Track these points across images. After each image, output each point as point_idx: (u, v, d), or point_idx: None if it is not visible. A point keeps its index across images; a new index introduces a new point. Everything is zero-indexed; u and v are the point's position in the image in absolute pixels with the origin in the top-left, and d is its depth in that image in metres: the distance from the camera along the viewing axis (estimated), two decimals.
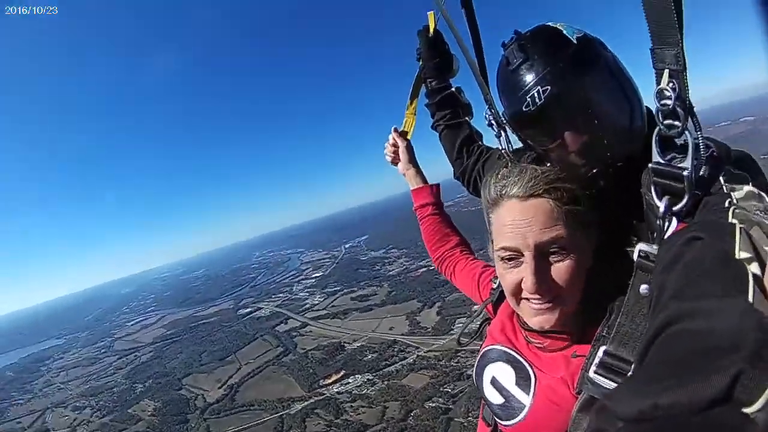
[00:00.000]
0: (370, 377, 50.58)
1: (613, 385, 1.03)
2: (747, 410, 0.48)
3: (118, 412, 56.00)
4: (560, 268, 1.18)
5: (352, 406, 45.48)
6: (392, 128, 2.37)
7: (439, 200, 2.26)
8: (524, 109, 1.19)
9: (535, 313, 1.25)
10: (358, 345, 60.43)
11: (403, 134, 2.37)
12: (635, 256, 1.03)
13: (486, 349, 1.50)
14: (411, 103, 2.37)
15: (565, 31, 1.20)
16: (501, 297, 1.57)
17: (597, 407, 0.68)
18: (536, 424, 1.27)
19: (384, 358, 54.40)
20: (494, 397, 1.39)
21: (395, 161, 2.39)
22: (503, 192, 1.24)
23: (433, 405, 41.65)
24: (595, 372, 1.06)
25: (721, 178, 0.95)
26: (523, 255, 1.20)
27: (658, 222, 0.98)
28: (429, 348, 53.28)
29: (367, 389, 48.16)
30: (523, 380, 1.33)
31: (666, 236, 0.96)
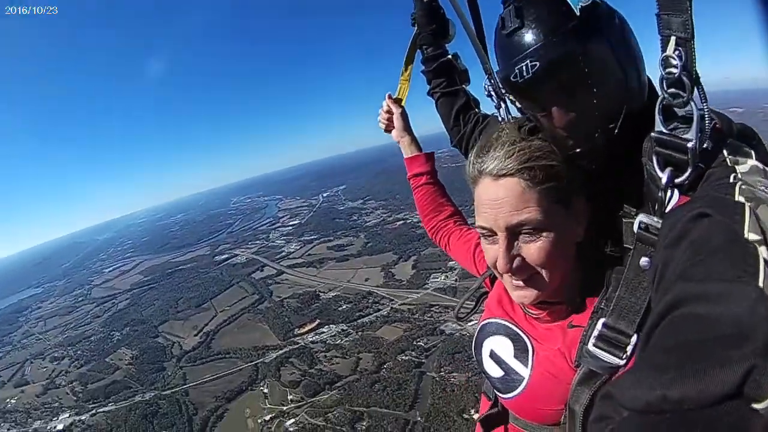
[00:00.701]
0: (345, 328, 51.81)
1: (612, 357, 1.06)
2: (757, 406, 0.48)
3: (95, 362, 57.26)
4: (532, 249, 1.18)
5: (326, 356, 46.78)
6: (386, 95, 2.35)
7: (433, 169, 2.22)
8: (512, 78, 1.16)
9: (514, 288, 1.27)
10: (333, 295, 61.73)
11: (397, 101, 2.33)
12: (635, 228, 1.02)
13: (484, 322, 1.52)
14: (405, 70, 2.35)
15: None
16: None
17: (603, 394, 0.68)
18: (535, 396, 1.29)
19: (358, 309, 55.71)
20: (494, 370, 1.42)
21: (389, 128, 2.36)
22: (480, 169, 1.23)
23: (406, 358, 42.76)
24: (594, 345, 1.09)
25: (724, 151, 0.94)
26: (497, 234, 1.22)
27: (660, 193, 0.98)
28: (403, 301, 54.51)
29: (341, 339, 49.51)
30: (521, 352, 1.35)
31: (668, 209, 0.95)
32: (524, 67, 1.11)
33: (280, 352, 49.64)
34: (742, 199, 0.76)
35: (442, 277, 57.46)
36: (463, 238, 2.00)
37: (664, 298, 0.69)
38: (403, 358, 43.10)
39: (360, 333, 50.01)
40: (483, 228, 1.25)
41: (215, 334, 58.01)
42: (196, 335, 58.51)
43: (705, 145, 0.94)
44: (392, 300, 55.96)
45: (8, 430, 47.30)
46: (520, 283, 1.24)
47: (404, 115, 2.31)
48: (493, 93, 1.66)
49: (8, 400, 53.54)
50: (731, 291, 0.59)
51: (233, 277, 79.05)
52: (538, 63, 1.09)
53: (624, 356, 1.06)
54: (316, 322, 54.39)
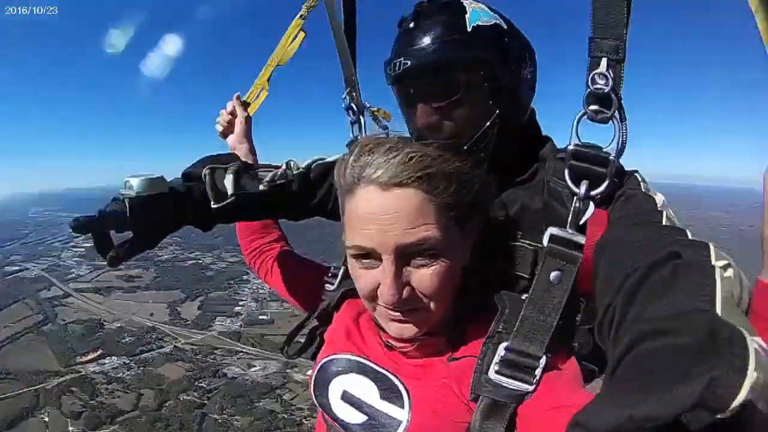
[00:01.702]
0: (127, 361, 52.69)
1: (519, 384, 0.99)
2: (721, 416, 0.53)
3: None
4: (425, 275, 1.04)
5: (107, 389, 47.23)
6: (235, 95, 2.14)
7: None
8: (387, 70, 1.32)
9: (393, 322, 1.12)
10: (118, 326, 62.32)
11: (245, 104, 2.15)
12: (545, 241, 1.02)
13: (327, 359, 1.31)
14: (266, 71, 2.23)
15: (470, 14, 1.25)
16: (339, 302, 1.45)
17: (571, 423, 0.70)
18: None
19: (142, 344, 56.86)
20: (351, 416, 1.19)
21: (226, 132, 2.12)
22: (362, 175, 1.03)
23: (188, 398, 44.85)
24: (497, 372, 1.01)
25: (637, 175, 1.04)
26: (380, 256, 1.04)
27: (574, 205, 1.02)
28: (187, 340, 56.89)
29: (123, 372, 50.41)
30: (390, 393, 1.16)
31: (583, 220, 1.01)
32: (398, 63, 1.27)
33: (62, 379, 49.31)
34: (713, 254, 0.79)
35: (228, 321, 60.62)
36: (290, 263, 1.86)
37: (627, 337, 0.72)
38: (185, 397, 44.85)
39: (142, 368, 51.02)
40: (361, 248, 1.06)
41: None
42: None
43: (617, 165, 1.02)
44: (176, 338, 57.87)
45: None
46: (402, 316, 1.09)
47: (248, 121, 2.11)
48: (353, 106, 1.66)
49: None
50: (688, 323, 0.64)
51: (20, 292, 76.64)
52: (409, 62, 1.25)
53: (533, 381, 1.00)
54: (99, 352, 54.75)
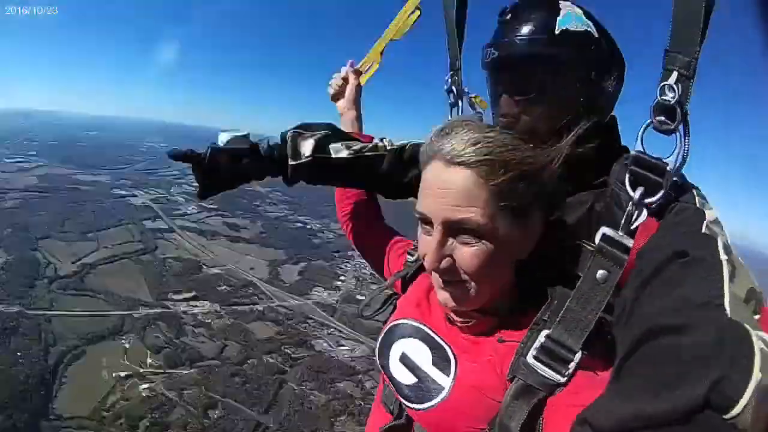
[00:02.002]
0: (219, 309, 53.02)
1: (552, 373, 1.03)
2: (728, 416, 0.55)
3: None
4: (465, 253, 1.12)
5: (194, 331, 48.08)
6: (349, 62, 2.24)
7: None
8: (483, 58, 1.42)
9: (440, 286, 1.21)
10: (216, 272, 62.93)
11: (357, 73, 2.23)
12: (597, 239, 1.05)
13: (395, 322, 1.42)
14: (380, 44, 2.28)
15: (562, 16, 1.32)
16: (416, 273, 1.56)
17: (577, 420, 0.75)
18: (456, 410, 1.18)
19: (237, 296, 57.09)
20: (404, 376, 1.30)
21: (337, 97, 2.25)
22: (437, 149, 1.14)
23: (272, 361, 44.61)
24: (534, 357, 1.06)
25: (693, 191, 1.06)
26: (432, 225, 1.14)
27: (628, 209, 1.04)
28: (282, 303, 56.63)
29: (213, 319, 50.85)
30: (441, 360, 1.25)
31: (633, 226, 1.03)
32: (488, 53, 1.38)
33: (150, 311, 50.53)
34: (720, 249, 0.85)
35: (325, 294, 59.71)
36: (380, 232, 1.95)
37: (635, 332, 0.75)
38: (269, 359, 44.66)
39: (232, 320, 51.24)
40: (421, 214, 1.17)
41: (92, 268, 58.09)
42: (73, 263, 58.32)
43: (675, 179, 1.04)
44: (271, 298, 57.83)
45: None
46: (445, 284, 1.18)
47: (358, 89, 2.22)
48: (454, 90, 1.71)
49: None
50: (697, 320, 0.67)
51: (125, 217, 78.80)
52: (496, 53, 1.36)
53: (566, 373, 1.03)
54: (192, 293, 55.67)
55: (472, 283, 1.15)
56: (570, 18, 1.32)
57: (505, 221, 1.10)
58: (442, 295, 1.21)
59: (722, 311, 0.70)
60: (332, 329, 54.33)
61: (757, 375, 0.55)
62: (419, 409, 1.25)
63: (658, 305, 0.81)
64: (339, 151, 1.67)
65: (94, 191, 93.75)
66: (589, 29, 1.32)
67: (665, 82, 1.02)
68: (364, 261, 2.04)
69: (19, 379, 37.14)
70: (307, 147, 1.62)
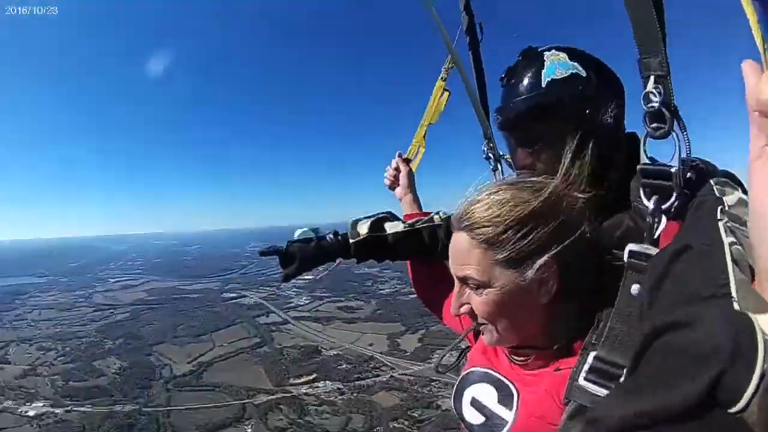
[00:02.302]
0: (341, 386, 54.03)
1: (604, 391, 1.07)
2: (732, 410, 0.54)
3: (82, 362, 59.24)
4: (475, 301, 1.32)
5: (317, 410, 49.05)
6: (397, 153, 2.55)
7: None
8: (493, 122, 1.66)
9: (480, 330, 1.40)
10: (335, 353, 64.35)
11: (406, 161, 2.53)
12: (625, 257, 1.09)
13: (466, 371, 1.59)
14: (421, 130, 2.57)
15: (546, 68, 1.51)
16: None
17: (588, 418, 0.75)
18: None
19: (358, 371, 58.28)
20: (474, 417, 1.45)
21: (393, 185, 2.56)
22: (455, 216, 1.37)
23: (398, 426, 45.24)
24: (585, 378, 1.11)
25: (711, 181, 1.06)
26: None
27: (648, 220, 1.09)
28: (404, 371, 57.37)
29: (335, 397, 51.74)
30: (505, 397, 1.39)
31: (656, 234, 1.07)
32: (496, 117, 1.62)
33: (271, 397, 51.93)
34: (723, 233, 0.85)
35: (448, 355, 60.85)
36: (444, 289, 2.03)
37: (643, 332, 0.74)
38: (395, 425, 45.51)
39: (355, 394, 52.40)
40: None
41: (209, 365, 60.31)
42: (189, 362, 60.83)
43: (689, 175, 1.07)
44: (393, 369, 58.80)
45: None
46: (480, 326, 1.37)
47: (410, 175, 2.51)
48: (491, 155, 1.90)
49: None
50: (702, 314, 0.65)
51: (237, 317, 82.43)
52: (500, 117, 1.60)
53: None
54: (313, 376, 56.81)
55: (495, 324, 1.33)
56: (553, 68, 1.50)
57: (502, 272, 1.26)
58: (484, 337, 1.39)
59: (728, 301, 0.70)
60: None
61: (761, 367, 0.54)
62: None
63: (666, 303, 0.83)
64: (395, 227, 2.06)
65: (204, 297, 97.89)
66: (574, 71, 1.48)
67: (646, 90, 1.07)
68: None
69: None
70: (363, 228, 2.04)
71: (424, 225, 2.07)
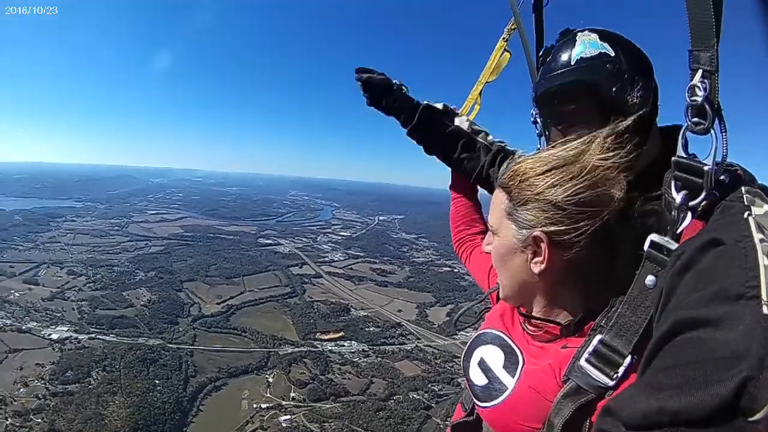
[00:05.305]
0: (366, 348, 56.26)
1: (602, 376, 1.14)
2: (753, 418, 0.56)
3: (111, 291, 62.63)
4: (491, 248, 1.51)
5: (340, 369, 51.31)
6: (452, 107, 2.49)
7: (475, 187, 2.50)
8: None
9: None
10: (364, 314, 66.50)
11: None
12: (645, 246, 1.13)
13: (480, 332, 1.67)
14: (477, 87, 2.65)
15: (577, 47, 1.59)
16: None
17: (604, 409, 0.78)
18: (515, 408, 1.37)
19: (384, 336, 59.93)
20: (478, 377, 1.52)
21: None
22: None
23: (417, 397, 46.68)
24: (586, 360, 1.17)
25: (742, 188, 1.06)
26: None
27: (672, 213, 1.11)
28: (429, 343, 59.22)
29: (360, 358, 53.98)
30: (510, 364, 1.46)
31: (679, 229, 1.09)
32: (534, 88, 1.76)
33: (296, 349, 53.95)
34: (753, 230, 0.87)
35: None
36: (484, 254, 1.95)
37: (667, 323, 0.77)
38: (415, 395, 46.86)
39: (379, 358, 54.16)
40: None
41: (237, 309, 62.92)
42: (218, 303, 63.35)
43: (722, 177, 1.07)
44: (419, 339, 60.14)
45: (2, 318, 52.17)
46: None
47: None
48: (538, 120, 1.94)
49: (13, 291, 59.64)
50: (730, 314, 0.67)
51: (271, 264, 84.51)
52: (534, 93, 1.73)
53: (615, 376, 1.13)
54: (340, 334, 58.84)
55: (499, 275, 1.51)
56: (583, 47, 1.57)
57: (508, 225, 1.42)
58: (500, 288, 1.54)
59: (757, 303, 0.70)
60: None
61: None
62: (485, 407, 1.47)
63: (690, 297, 0.82)
64: (462, 123, 2.28)
65: (239, 240, 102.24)
66: (603, 50, 1.54)
67: (692, 82, 1.08)
68: None
69: (155, 405, 40.98)
70: (439, 104, 2.30)
71: (481, 140, 2.32)
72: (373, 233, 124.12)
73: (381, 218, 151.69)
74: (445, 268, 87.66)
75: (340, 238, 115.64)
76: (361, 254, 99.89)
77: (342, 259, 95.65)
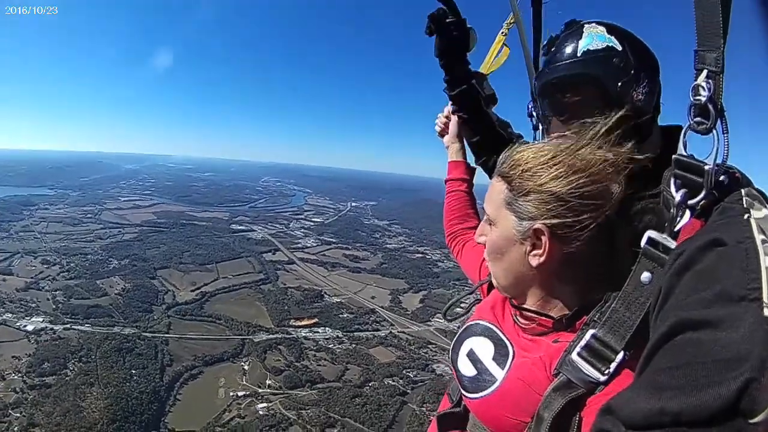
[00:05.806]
0: (340, 335, 56.61)
1: (593, 371, 1.14)
2: (753, 420, 0.57)
3: (85, 280, 62.07)
4: (487, 236, 1.49)
5: (315, 355, 51.52)
6: (450, 102, 2.55)
7: (471, 180, 2.54)
8: (531, 89, 1.78)
9: None
10: (337, 300, 66.81)
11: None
12: (642, 242, 1.14)
13: (470, 323, 1.67)
14: (506, 29, 2.59)
15: (584, 39, 1.57)
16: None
17: (603, 408, 0.77)
18: (503, 401, 1.36)
19: (358, 322, 60.62)
20: (467, 368, 1.52)
21: (443, 132, 2.69)
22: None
23: (392, 383, 47.22)
24: (578, 354, 1.18)
25: (742, 191, 1.05)
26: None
27: (671, 211, 1.11)
28: (403, 329, 59.87)
29: (334, 345, 54.33)
30: (500, 356, 1.46)
31: (677, 227, 1.09)
32: (534, 83, 1.76)
33: (271, 336, 54.07)
34: (755, 231, 0.85)
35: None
36: (477, 247, 2.09)
37: (667, 323, 0.77)
38: (390, 382, 47.40)
39: (354, 345, 54.61)
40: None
41: (212, 296, 62.70)
42: (192, 291, 63.21)
43: (722, 178, 1.07)
44: (393, 325, 60.78)
45: None
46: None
47: (460, 125, 2.58)
48: (534, 114, 1.99)
49: None
50: (732, 316, 0.67)
51: (244, 250, 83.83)
52: (536, 83, 1.71)
53: (606, 372, 1.13)
54: (314, 320, 59.07)
55: (492, 266, 1.51)
56: (590, 39, 1.56)
57: (507, 215, 1.41)
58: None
59: (759, 306, 0.70)
60: None
61: None
62: (473, 398, 1.47)
63: (690, 297, 0.82)
64: (490, 114, 2.42)
65: (212, 226, 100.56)
66: (610, 44, 1.53)
67: (696, 82, 1.08)
68: None
69: (133, 395, 40.59)
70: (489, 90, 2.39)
71: (506, 128, 2.49)
72: (346, 219, 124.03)
73: (353, 204, 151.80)
74: (418, 255, 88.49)
75: (312, 224, 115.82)
76: (334, 240, 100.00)
77: (315, 245, 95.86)
